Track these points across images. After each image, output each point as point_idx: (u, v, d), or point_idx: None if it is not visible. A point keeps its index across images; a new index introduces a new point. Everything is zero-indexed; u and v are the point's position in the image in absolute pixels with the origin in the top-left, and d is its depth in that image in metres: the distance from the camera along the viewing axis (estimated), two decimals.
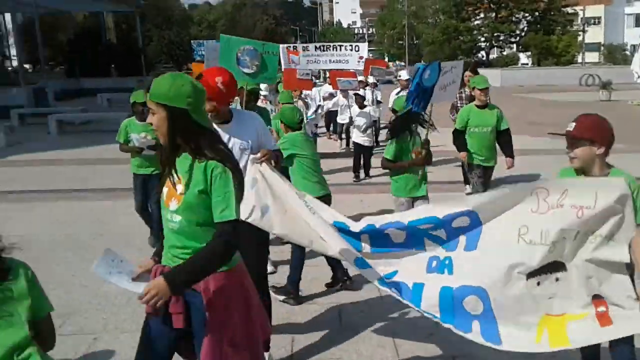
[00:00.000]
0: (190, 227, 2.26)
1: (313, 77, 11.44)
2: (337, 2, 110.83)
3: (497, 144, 6.60)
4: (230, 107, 3.30)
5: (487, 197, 3.03)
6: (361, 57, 11.03)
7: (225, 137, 3.02)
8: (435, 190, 5.64)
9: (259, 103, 9.03)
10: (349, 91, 11.43)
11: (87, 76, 34.01)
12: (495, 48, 57.44)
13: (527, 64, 57.74)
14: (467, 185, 8.08)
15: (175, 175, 2.26)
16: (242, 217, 2.88)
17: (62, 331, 4.07)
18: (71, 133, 16.64)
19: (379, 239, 3.21)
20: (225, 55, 4.94)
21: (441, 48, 53.45)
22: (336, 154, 12.28)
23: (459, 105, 8.41)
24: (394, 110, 5.45)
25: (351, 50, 11.13)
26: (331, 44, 11.96)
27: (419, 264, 3.08)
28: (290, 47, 11.16)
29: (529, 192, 2.75)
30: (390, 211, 5.53)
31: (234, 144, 3.17)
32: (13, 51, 67.82)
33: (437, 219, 3.00)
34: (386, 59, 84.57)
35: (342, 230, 3.26)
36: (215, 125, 2.88)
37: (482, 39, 54.63)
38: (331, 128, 13.66)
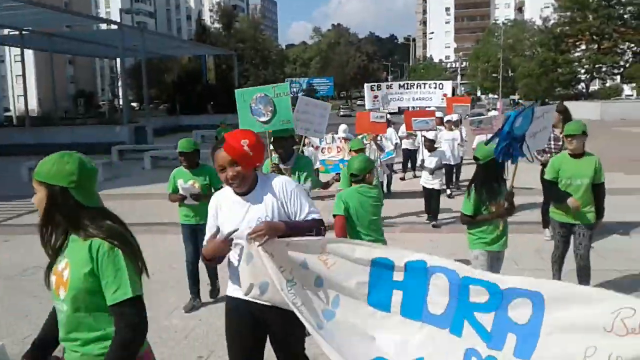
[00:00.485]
0: (78, 316, 2.08)
1: (389, 118, 10.98)
2: (431, 38, 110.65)
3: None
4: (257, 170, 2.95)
5: (563, 289, 2.37)
6: (445, 95, 11.22)
7: (243, 209, 2.81)
8: (512, 231, 5.09)
9: (306, 150, 9.14)
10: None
11: (186, 114, 36.44)
12: (596, 80, 54.60)
13: (631, 95, 54.25)
14: (547, 230, 7.63)
15: (59, 259, 2.13)
16: (241, 294, 2.82)
17: None
18: (165, 167, 17.69)
19: (414, 301, 2.66)
20: (243, 109, 4.98)
21: (538, 81, 51.68)
22: (410, 193, 11.87)
23: (546, 147, 7.34)
24: (475, 158, 4.83)
25: (435, 88, 11.37)
26: (415, 82, 12.14)
27: (452, 354, 2.52)
28: (374, 86, 11.60)
29: (610, 310, 2.17)
30: (462, 254, 5.41)
31: (251, 219, 2.76)
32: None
33: (497, 289, 2.42)
34: (479, 93, 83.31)
35: (382, 264, 2.71)
36: (234, 197, 2.83)
37: (582, 70, 52.13)
38: (409, 165, 13.58)
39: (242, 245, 2.77)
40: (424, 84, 11.73)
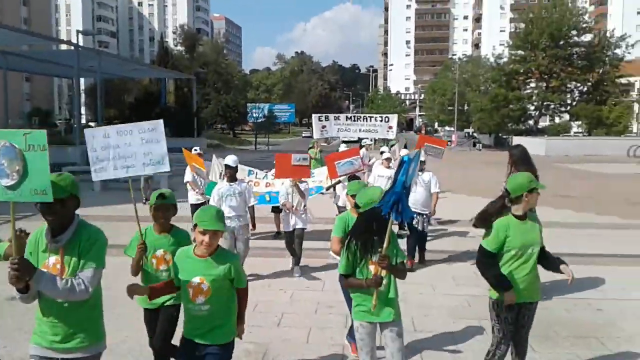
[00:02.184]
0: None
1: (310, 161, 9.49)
2: (391, 70, 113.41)
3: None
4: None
5: None
6: (390, 127, 11.52)
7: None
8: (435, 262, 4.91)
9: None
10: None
11: None
12: (546, 116, 57.06)
13: (580, 132, 56.85)
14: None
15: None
16: None
17: None
18: (115, 190, 17.65)
19: None
20: None
21: (490, 115, 53.56)
22: None
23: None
24: (356, 206, 4.04)
25: (381, 121, 11.69)
26: (362, 115, 12.60)
27: None
28: (322, 117, 11.95)
29: None
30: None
31: None
32: (82, 110, 73.15)
33: None
34: (436, 125, 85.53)
35: None
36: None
37: (532, 107, 54.43)
38: None
39: None
40: (370, 117, 12.08)
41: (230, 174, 7.63)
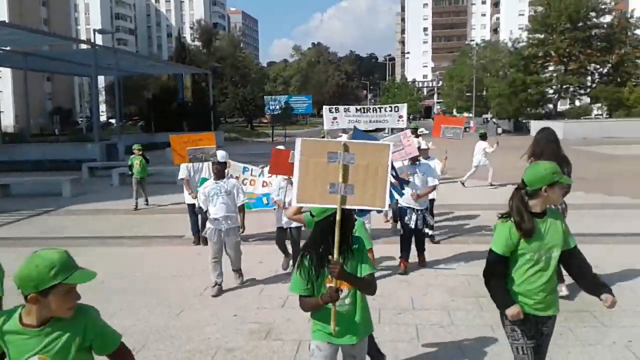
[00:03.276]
0: None
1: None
2: (407, 58, 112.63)
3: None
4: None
5: None
6: (401, 117, 11.26)
7: None
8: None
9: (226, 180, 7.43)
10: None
11: (161, 131, 36.95)
12: (566, 99, 56.36)
13: (600, 115, 56.03)
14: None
15: None
16: None
17: None
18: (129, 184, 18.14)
19: None
20: None
21: (509, 100, 53.08)
22: None
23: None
24: (311, 214, 3.45)
25: (390, 111, 11.52)
26: (371, 107, 12.39)
27: None
28: (332, 109, 11.82)
29: None
30: None
31: None
32: (101, 108, 74.45)
33: None
34: (455, 111, 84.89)
35: None
36: None
37: (551, 90, 53.78)
38: None
39: None
40: (380, 107, 11.94)
41: (218, 170, 6.93)
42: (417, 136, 9.96)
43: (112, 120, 59.69)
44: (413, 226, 7.34)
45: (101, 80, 63.20)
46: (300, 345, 5.05)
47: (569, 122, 42.72)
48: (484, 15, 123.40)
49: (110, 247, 9.48)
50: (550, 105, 55.05)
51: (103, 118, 71.62)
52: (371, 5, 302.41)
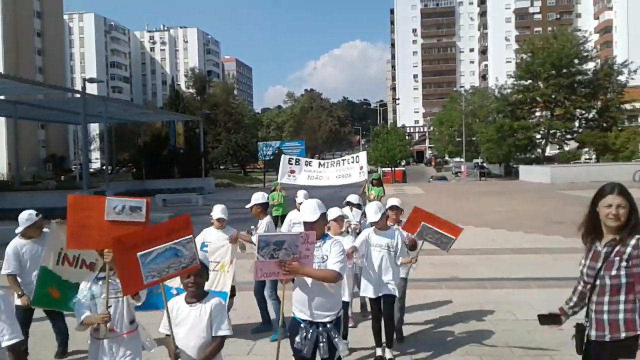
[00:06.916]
0: None
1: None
2: (398, 104, 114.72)
3: None
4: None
5: None
6: (361, 168, 10.08)
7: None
8: None
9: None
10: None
11: (153, 178, 37.09)
12: (554, 144, 57.25)
13: (589, 159, 56.77)
14: None
15: None
16: None
17: None
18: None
19: None
20: None
21: (498, 145, 53.87)
22: None
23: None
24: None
25: (352, 162, 10.33)
26: (334, 160, 11.11)
27: None
28: (292, 159, 10.59)
29: None
30: None
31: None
32: (95, 155, 74.72)
33: None
34: (446, 157, 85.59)
35: None
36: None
37: (538, 135, 54.68)
38: None
39: None
40: (343, 160, 10.70)
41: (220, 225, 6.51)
42: (358, 206, 7.61)
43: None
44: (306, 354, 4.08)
45: (95, 127, 63.76)
46: None
47: (556, 166, 43.26)
48: (472, 62, 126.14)
49: None
50: (539, 150, 55.84)
51: (97, 165, 71.98)
52: (363, 53, 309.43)
